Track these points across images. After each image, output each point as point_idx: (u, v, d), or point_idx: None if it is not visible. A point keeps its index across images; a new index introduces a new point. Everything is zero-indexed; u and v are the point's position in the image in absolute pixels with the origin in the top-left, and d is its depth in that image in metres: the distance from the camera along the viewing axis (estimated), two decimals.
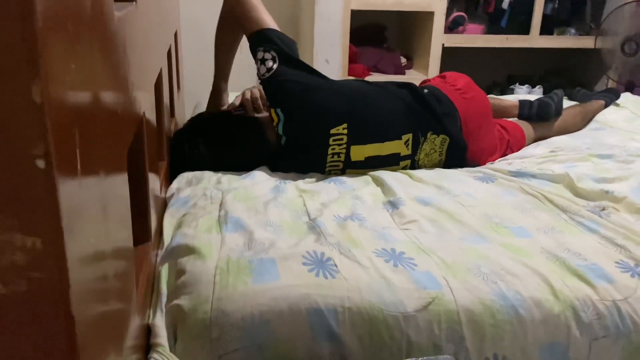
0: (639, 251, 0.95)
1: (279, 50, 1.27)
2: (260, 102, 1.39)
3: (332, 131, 1.27)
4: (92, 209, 0.45)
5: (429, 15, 2.69)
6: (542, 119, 1.64)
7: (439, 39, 2.71)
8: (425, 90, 1.43)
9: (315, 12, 2.57)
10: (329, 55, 2.66)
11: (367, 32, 2.89)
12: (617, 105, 1.92)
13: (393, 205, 1.10)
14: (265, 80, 1.28)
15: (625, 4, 2.63)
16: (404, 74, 2.84)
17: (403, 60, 2.90)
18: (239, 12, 1.31)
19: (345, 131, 1.27)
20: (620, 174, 1.25)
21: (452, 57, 2.85)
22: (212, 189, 1.09)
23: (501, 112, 1.67)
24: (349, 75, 2.70)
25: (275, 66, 1.26)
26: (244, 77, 2.94)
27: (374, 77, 2.74)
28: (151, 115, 0.95)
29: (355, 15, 2.62)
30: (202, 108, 1.81)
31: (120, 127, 0.61)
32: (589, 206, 1.12)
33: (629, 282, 0.89)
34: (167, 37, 1.35)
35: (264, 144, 1.29)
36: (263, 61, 1.27)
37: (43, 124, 0.32)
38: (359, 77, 2.73)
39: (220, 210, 0.99)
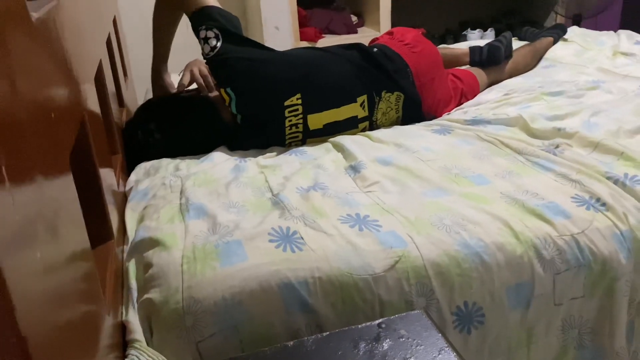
0: (592, 184, 0.98)
1: (222, 28, 1.24)
2: (209, 78, 1.36)
3: (287, 103, 1.25)
4: (33, 221, 0.44)
5: None
6: (493, 63, 1.66)
7: None
8: (375, 49, 1.42)
9: None
10: (278, 21, 2.61)
11: None
12: (565, 40, 1.94)
13: (354, 169, 1.11)
14: (211, 60, 1.25)
15: None
16: (356, 32, 2.81)
17: (354, 18, 2.86)
18: None
19: (300, 101, 1.26)
20: (571, 110, 1.28)
21: (403, 10, 2.83)
22: (171, 177, 1.08)
23: (452, 62, 1.67)
24: (301, 40, 2.66)
25: (219, 44, 1.23)
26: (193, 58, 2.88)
27: (327, 39, 2.71)
28: (95, 110, 0.92)
29: None
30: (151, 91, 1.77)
31: (57, 128, 0.59)
32: (543, 145, 1.15)
33: (585, 215, 0.92)
34: (103, 26, 1.30)
35: (219, 124, 1.27)
36: (206, 40, 1.24)
37: None
38: (311, 41, 2.69)
39: (181, 198, 0.98)
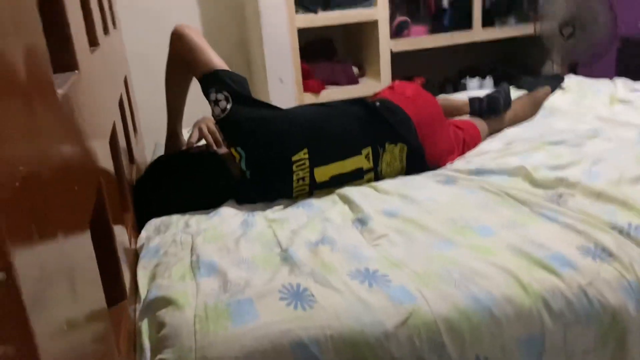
0: (597, 234, 1.00)
1: (231, 90, 1.29)
2: (217, 134, 1.41)
3: (294, 158, 1.29)
4: (55, 279, 0.45)
5: (373, 24, 2.74)
6: (493, 113, 1.70)
7: (386, 45, 2.77)
8: (377, 103, 1.46)
9: (262, 35, 2.60)
10: (282, 74, 2.69)
11: (316, 47, 2.93)
12: (563, 88, 2.00)
13: (361, 222, 1.13)
14: (221, 121, 1.29)
15: None
16: (357, 82, 2.88)
17: (355, 70, 2.95)
18: (186, 56, 1.32)
19: (307, 155, 1.29)
20: (572, 159, 1.30)
21: (402, 61, 2.91)
22: (181, 234, 1.10)
23: (453, 112, 1.72)
24: (304, 91, 2.73)
25: (229, 106, 1.27)
26: (200, 111, 2.96)
27: (329, 90, 2.78)
28: (110, 171, 0.95)
29: (303, 32, 2.66)
30: (162, 147, 1.81)
31: (78, 192, 0.62)
32: (546, 195, 1.17)
33: (591, 266, 0.93)
34: (117, 88, 1.35)
35: (228, 179, 1.30)
36: (216, 102, 1.28)
37: None
38: (314, 92, 2.76)
39: (192, 256, 1.00)
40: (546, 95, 1.90)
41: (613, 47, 2.54)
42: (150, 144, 2.10)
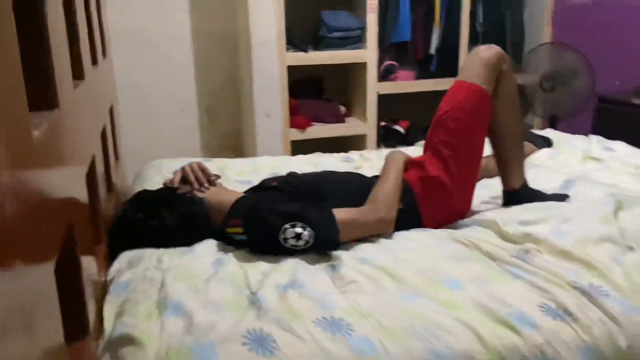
0: (560, 293, 1.02)
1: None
2: (201, 174, 1.39)
3: None
4: (12, 314, 0.45)
5: (362, 66, 2.82)
6: None
7: (373, 87, 2.84)
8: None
9: (252, 71, 2.65)
10: (269, 109, 2.73)
11: (305, 85, 2.99)
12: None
13: (333, 267, 1.14)
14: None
15: (541, 44, 2.85)
16: (344, 122, 2.94)
17: (342, 109, 3.01)
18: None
19: None
20: (542, 215, 1.33)
21: (389, 103, 2.98)
22: (153, 270, 1.10)
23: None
24: (291, 127, 2.78)
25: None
26: (186, 142, 2.98)
27: (316, 127, 2.83)
28: (84, 204, 0.96)
29: (292, 70, 2.72)
30: (144, 178, 1.82)
31: (45, 230, 0.63)
32: (514, 250, 1.20)
33: (551, 325, 0.95)
34: (100, 121, 1.37)
35: (209, 228, 1.29)
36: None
37: None
38: (301, 128, 2.80)
39: (160, 293, 1.00)
40: (531, 153, 1.94)
41: (591, 103, 2.62)
42: (133, 168, 2.10)
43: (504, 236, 1.28)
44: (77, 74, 1.09)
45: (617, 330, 0.96)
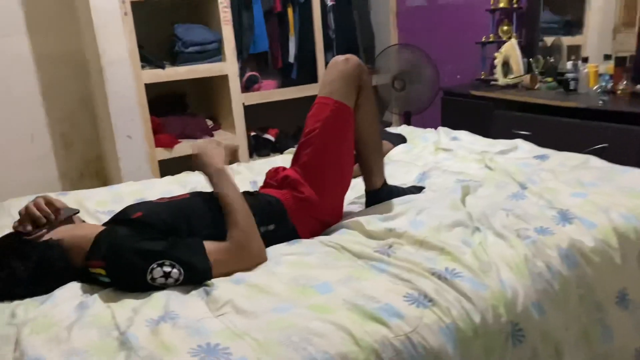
0: (420, 281, 1.11)
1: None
2: (48, 209, 1.23)
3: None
4: None
5: (224, 78, 2.81)
6: None
7: (237, 98, 2.84)
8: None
9: (107, 92, 2.51)
10: (130, 130, 2.61)
11: (166, 101, 2.91)
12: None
13: (206, 291, 1.12)
14: None
15: (389, 46, 3.05)
16: (212, 135, 2.90)
17: (210, 122, 2.97)
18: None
19: None
20: (400, 209, 1.44)
21: (255, 113, 3.00)
22: (5, 327, 1.00)
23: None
24: (156, 146, 2.68)
25: None
26: (41, 173, 2.72)
27: (183, 144, 2.75)
28: None
29: (151, 87, 2.62)
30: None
31: None
32: (378, 246, 1.27)
33: (415, 313, 1.03)
34: None
35: (69, 270, 1.19)
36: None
37: None
38: (167, 147, 2.71)
39: (15, 352, 0.91)
40: (388, 151, 2.07)
41: (437, 97, 2.87)
42: None
43: (369, 234, 1.35)
44: None
45: (471, 307, 1.06)
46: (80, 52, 2.76)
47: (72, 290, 1.16)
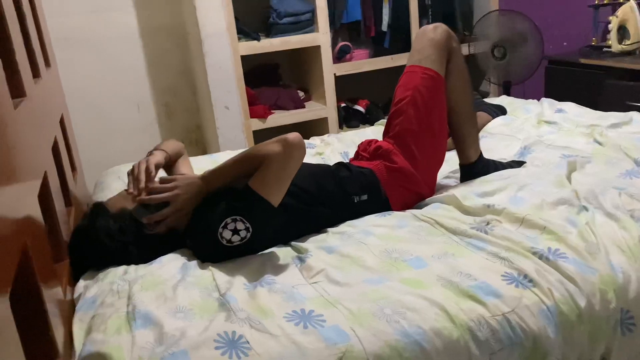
0: (520, 260, 1.06)
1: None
2: (144, 176, 1.23)
3: None
4: None
5: (316, 49, 2.80)
6: None
7: (329, 69, 2.83)
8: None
9: (206, 64, 2.61)
10: (227, 101, 2.70)
11: (261, 73, 2.96)
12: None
13: (300, 259, 1.15)
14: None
15: (489, 12, 2.88)
16: (304, 107, 2.93)
17: (301, 94, 2.99)
18: (270, 168, 1.17)
19: None
20: (499, 185, 1.37)
21: (346, 84, 2.98)
22: (119, 282, 1.09)
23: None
24: (251, 117, 2.75)
25: (248, 235, 1.16)
26: (146, 140, 2.92)
27: (277, 115, 2.81)
28: (39, 225, 0.94)
29: (246, 59, 2.69)
30: (104, 186, 1.78)
31: None
32: (475, 223, 1.23)
33: (514, 293, 0.98)
34: (49, 135, 1.33)
35: (174, 235, 1.25)
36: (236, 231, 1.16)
37: None
38: (261, 117, 2.78)
39: (128, 305, 0.99)
40: (486, 123, 1.98)
41: (541, 67, 2.68)
42: (92, 178, 2.06)
43: (464, 210, 1.31)
44: (17, 92, 1.05)
45: (575, 290, 1.00)
46: (182, 26, 2.88)
47: (174, 253, 1.23)
